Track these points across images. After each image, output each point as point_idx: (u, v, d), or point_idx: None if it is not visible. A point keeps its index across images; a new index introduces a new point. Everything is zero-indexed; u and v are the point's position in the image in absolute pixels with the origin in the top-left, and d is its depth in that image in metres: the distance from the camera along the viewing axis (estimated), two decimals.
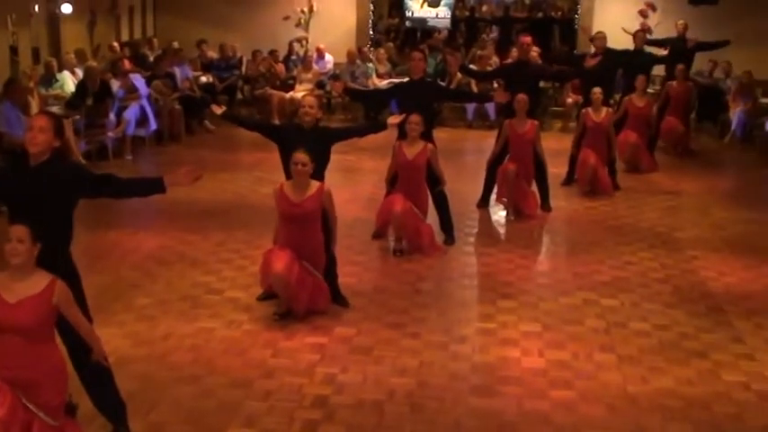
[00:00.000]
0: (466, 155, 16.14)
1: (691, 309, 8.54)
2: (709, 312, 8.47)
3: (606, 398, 6.68)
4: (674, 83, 15.87)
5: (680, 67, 15.71)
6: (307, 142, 7.97)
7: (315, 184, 7.81)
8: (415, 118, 9.78)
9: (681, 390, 6.84)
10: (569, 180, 13.33)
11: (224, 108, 8.85)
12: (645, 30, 16.07)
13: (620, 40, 15.06)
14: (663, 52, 15.56)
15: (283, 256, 7.71)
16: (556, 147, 14.11)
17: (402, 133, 10.04)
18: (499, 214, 11.81)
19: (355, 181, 13.48)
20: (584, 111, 12.98)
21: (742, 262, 10.02)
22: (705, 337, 7.86)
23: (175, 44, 19.23)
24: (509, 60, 16.07)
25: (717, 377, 7.10)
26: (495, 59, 19.34)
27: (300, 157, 7.63)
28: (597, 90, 12.62)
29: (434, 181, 10.17)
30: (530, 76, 11.98)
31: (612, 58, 13.68)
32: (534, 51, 17.60)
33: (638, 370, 7.16)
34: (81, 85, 14.60)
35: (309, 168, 7.68)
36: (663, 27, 17.47)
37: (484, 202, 11.99)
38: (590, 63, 13.33)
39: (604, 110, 12.81)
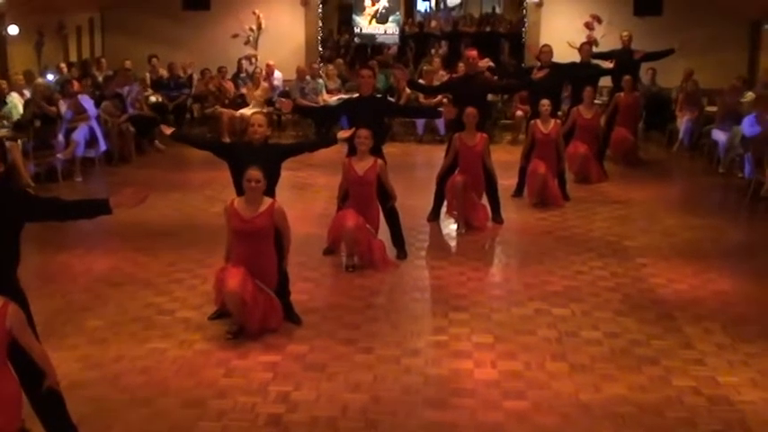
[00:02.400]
0: (416, 169, 16.19)
1: (641, 316, 8.62)
2: (659, 319, 8.55)
3: (559, 407, 6.72)
4: (622, 94, 16.07)
5: (626, 78, 15.91)
6: (257, 160, 7.98)
7: (266, 201, 7.81)
8: (363, 133, 9.81)
9: (633, 396, 6.90)
10: (519, 192, 13.41)
11: (173, 129, 8.79)
12: (590, 42, 16.23)
13: (567, 53, 15.23)
14: (609, 65, 15.73)
15: (237, 273, 7.69)
16: (506, 159, 14.22)
17: (352, 149, 10.07)
18: (450, 227, 11.86)
19: (307, 197, 13.48)
20: (532, 123, 13.07)
21: (691, 268, 10.13)
22: (656, 344, 7.93)
23: (128, 63, 19.13)
24: (456, 75, 16.13)
25: (668, 383, 7.16)
26: (442, 74, 19.41)
27: (254, 174, 7.63)
28: (545, 102, 12.72)
29: (385, 196, 10.20)
30: (477, 89, 12.04)
31: (559, 70, 13.82)
32: (485, 63, 17.75)
33: (590, 378, 7.21)
34: (28, 107, 14.47)
35: (263, 185, 7.69)
36: (608, 39, 17.67)
37: (434, 216, 12.03)
38: (537, 75, 13.44)
39: (552, 121, 12.92)
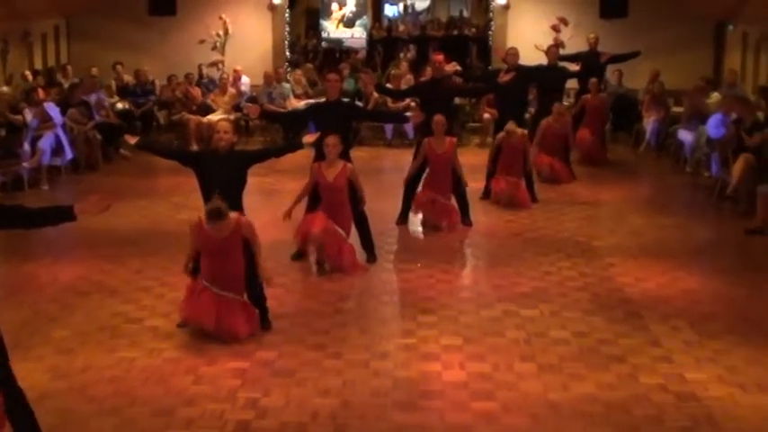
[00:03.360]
0: (385, 173, 16.19)
1: (609, 315, 8.66)
2: (626, 318, 8.60)
3: (528, 407, 6.74)
4: (589, 96, 16.16)
5: (593, 80, 16.01)
6: (223, 167, 7.99)
7: (232, 218, 7.79)
8: (331, 140, 9.79)
9: (601, 395, 6.93)
10: (487, 194, 13.43)
11: (137, 138, 8.72)
12: (557, 45, 16.32)
13: (534, 56, 15.28)
14: (576, 67, 15.80)
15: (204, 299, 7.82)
16: (473, 162, 14.25)
17: (320, 155, 10.05)
18: (418, 230, 11.88)
19: (274, 203, 13.39)
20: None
21: (658, 267, 10.20)
22: (623, 342, 7.98)
23: (94, 70, 19.05)
24: (423, 79, 16.15)
25: (636, 381, 7.20)
26: (409, 78, 19.45)
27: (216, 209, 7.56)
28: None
29: (356, 200, 10.21)
30: (444, 93, 12.07)
31: (526, 73, 13.83)
32: (452, 67, 17.78)
33: (559, 378, 7.24)
34: None
35: (227, 223, 7.64)
36: (575, 41, 17.76)
37: (403, 219, 12.04)
38: (503, 78, 13.45)
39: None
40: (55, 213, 5.98)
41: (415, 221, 12.07)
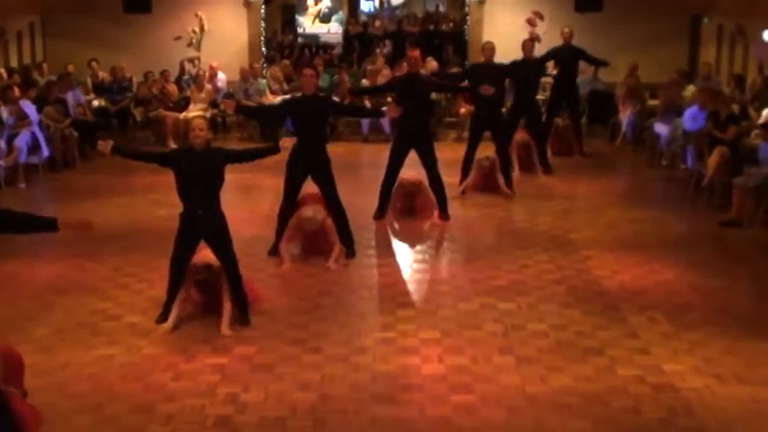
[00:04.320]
0: (362, 168, 16.24)
1: (586, 308, 8.72)
2: (604, 310, 8.66)
3: (506, 400, 6.78)
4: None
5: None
6: (199, 164, 8.00)
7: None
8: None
9: (579, 387, 6.99)
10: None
11: (111, 143, 8.63)
12: (533, 38, 16.35)
13: (511, 50, 15.30)
14: (554, 71, 15.96)
15: None
16: (450, 156, 14.27)
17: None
18: (395, 226, 11.92)
19: (252, 200, 13.46)
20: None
21: (634, 259, 10.27)
22: (601, 335, 8.03)
23: (70, 67, 18.98)
24: (399, 74, 16.14)
25: (613, 372, 7.26)
26: (386, 73, 19.47)
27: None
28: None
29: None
30: (420, 88, 12.08)
31: (501, 68, 13.83)
32: (431, 66, 17.84)
33: (537, 370, 7.29)
34: None
35: None
36: (550, 36, 17.78)
37: (380, 213, 12.06)
38: (486, 91, 13.36)
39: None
40: (41, 223, 5.98)
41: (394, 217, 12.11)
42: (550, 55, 16.12)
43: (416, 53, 12.32)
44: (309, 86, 10.57)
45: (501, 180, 13.34)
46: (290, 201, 10.40)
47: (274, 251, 10.39)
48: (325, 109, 11.02)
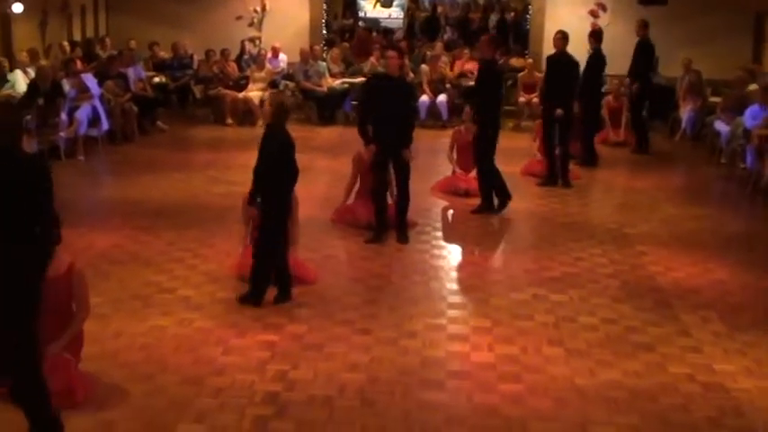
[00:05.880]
0: (418, 153, 16.15)
1: (638, 303, 8.65)
2: (656, 306, 8.59)
3: (554, 391, 6.76)
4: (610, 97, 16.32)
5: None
6: None
7: None
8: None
9: (628, 382, 6.94)
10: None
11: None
12: (596, 29, 16.20)
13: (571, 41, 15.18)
14: None
15: None
16: (508, 145, 14.21)
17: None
18: (450, 213, 11.91)
19: (308, 180, 13.43)
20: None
21: (689, 257, 10.16)
22: (652, 331, 7.97)
23: (132, 43, 19.16)
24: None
25: (663, 369, 7.20)
26: (446, 60, 19.44)
27: None
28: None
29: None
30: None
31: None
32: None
33: (586, 363, 7.25)
34: (32, 85, 14.48)
35: None
36: (613, 28, 17.66)
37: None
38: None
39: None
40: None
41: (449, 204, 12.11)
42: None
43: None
44: (394, 68, 10.51)
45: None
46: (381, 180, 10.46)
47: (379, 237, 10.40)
48: (409, 93, 10.94)
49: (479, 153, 11.83)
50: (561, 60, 13.41)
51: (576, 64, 13.54)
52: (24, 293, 5.52)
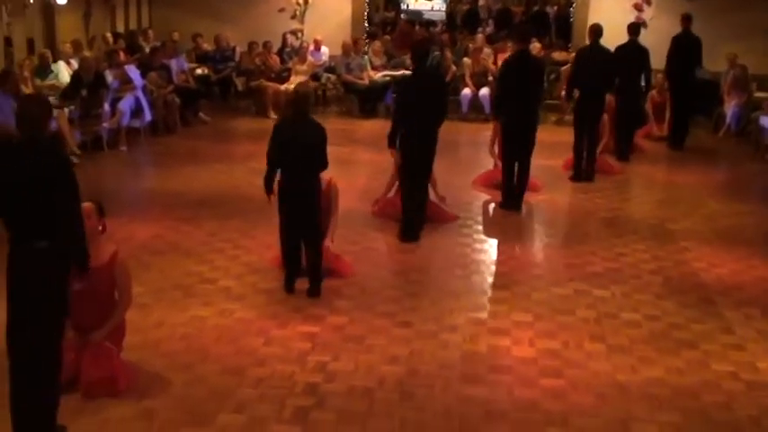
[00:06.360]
0: (460, 147, 16.17)
1: (681, 299, 8.58)
2: (699, 303, 8.51)
3: (596, 386, 6.72)
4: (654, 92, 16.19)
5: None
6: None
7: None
8: None
9: (670, 379, 6.89)
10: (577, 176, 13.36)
11: None
12: (640, 23, 16.05)
13: (616, 34, 15.06)
14: None
15: None
16: (550, 139, 14.15)
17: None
18: (492, 207, 11.86)
19: (350, 172, 13.48)
20: None
21: (733, 254, 10.06)
22: (695, 328, 7.90)
23: (175, 35, 19.25)
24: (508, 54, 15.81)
25: (706, 367, 7.14)
26: (488, 51, 19.34)
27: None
28: None
29: None
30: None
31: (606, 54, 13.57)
32: (536, 45, 17.62)
33: (628, 359, 7.20)
34: (76, 76, 14.58)
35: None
36: (657, 21, 17.49)
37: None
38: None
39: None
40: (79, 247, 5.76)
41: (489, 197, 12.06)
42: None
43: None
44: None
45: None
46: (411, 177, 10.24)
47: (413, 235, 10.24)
48: (444, 88, 10.90)
49: (500, 145, 11.83)
50: (592, 53, 13.28)
51: (610, 56, 13.42)
52: (44, 293, 5.48)
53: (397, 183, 10.77)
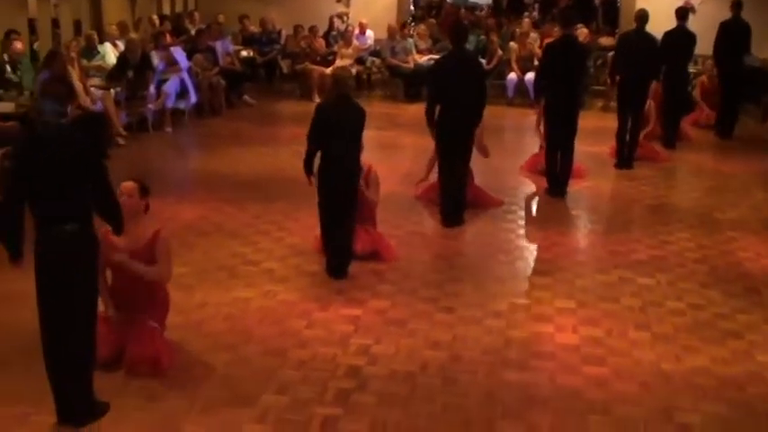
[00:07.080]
0: (505, 132, 16.10)
1: (727, 289, 8.48)
2: (745, 293, 8.40)
3: (639, 375, 6.67)
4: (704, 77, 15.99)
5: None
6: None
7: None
8: None
9: (714, 369, 6.81)
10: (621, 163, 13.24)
11: None
12: (688, 8, 15.83)
13: (663, 20, 14.89)
14: None
15: None
16: (597, 125, 14.04)
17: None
18: (536, 192, 11.79)
19: (393, 156, 13.46)
20: None
21: None
22: (741, 318, 7.80)
23: (221, 17, 19.30)
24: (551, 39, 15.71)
25: (751, 357, 7.05)
26: (534, 36, 19.21)
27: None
28: None
29: None
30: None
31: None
32: (584, 31, 17.45)
33: (672, 348, 7.14)
34: (122, 58, 14.69)
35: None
36: (705, 7, 17.26)
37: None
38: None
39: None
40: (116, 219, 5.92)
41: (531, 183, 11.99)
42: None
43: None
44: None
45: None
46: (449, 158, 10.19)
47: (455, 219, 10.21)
48: (480, 69, 10.85)
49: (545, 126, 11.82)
50: (636, 39, 13.13)
51: (654, 43, 13.26)
52: (75, 275, 5.56)
53: (437, 163, 10.73)
